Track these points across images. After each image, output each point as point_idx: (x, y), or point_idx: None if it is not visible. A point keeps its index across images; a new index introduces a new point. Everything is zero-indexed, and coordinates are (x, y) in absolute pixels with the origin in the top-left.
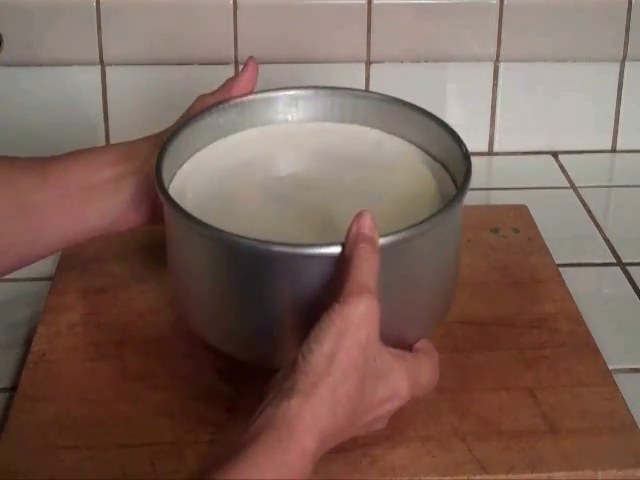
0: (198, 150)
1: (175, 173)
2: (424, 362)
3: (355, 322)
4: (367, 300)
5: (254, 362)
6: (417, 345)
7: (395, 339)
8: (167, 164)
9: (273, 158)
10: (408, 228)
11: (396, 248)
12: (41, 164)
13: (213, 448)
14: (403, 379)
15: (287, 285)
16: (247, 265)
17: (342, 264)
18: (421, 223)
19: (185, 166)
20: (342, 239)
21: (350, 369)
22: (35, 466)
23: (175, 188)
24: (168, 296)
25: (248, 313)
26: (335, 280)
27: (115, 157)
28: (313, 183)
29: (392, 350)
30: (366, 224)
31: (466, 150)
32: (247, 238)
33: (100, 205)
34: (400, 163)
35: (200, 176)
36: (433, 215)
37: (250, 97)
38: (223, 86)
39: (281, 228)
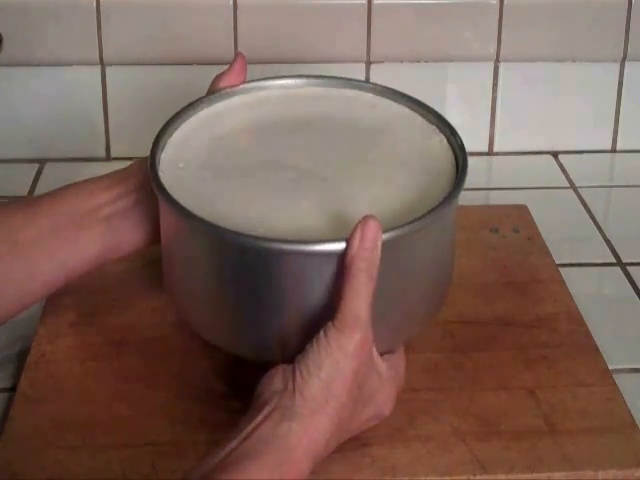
0: (186, 120)
1: (166, 143)
2: (400, 371)
3: (350, 352)
4: (361, 331)
5: (249, 358)
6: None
7: (389, 335)
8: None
9: (264, 124)
10: (405, 225)
11: (391, 244)
12: (31, 201)
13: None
14: (387, 399)
15: (282, 280)
16: (240, 260)
17: (341, 268)
18: (417, 220)
19: (175, 134)
20: (340, 210)
21: (345, 398)
22: (35, 466)
23: (166, 159)
24: (168, 296)
25: (242, 308)
26: (333, 280)
27: (108, 182)
28: (307, 149)
29: (379, 368)
30: (369, 236)
31: (461, 142)
32: (239, 233)
33: (96, 230)
34: (395, 125)
35: (190, 144)
36: (430, 211)
37: (240, 87)
38: (212, 83)
39: (276, 197)
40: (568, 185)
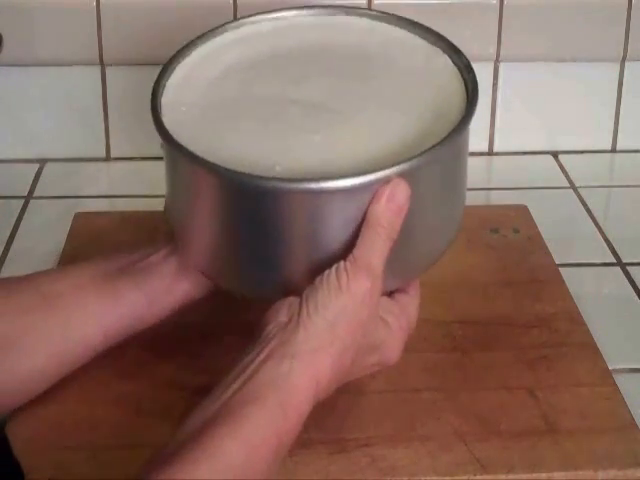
0: (181, 62)
1: (164, 86)
2: (412, 314)
3: (359, 299)
4: (372, 281)
5: (260, 299)
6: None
7: (404, 269)
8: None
9: (261, 58)
10: (417, 156)
11: (408, 175)
12: (61, 266)
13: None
14: (394, 349)
15: (300, 220)
16: (255, 202)
17: (358, 206)
18: (430, 150)
19: (173, 76)
20: (356, 142)
21: (349, 342)
22: (35, 466)
23: (167, 103)
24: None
25: (253, 248)
26: (350, 217)
27: (136, 247)
28: (310, 80)
29: (388, 318)
30: (398, 199)
31: (467, 61)
32: (254, 176)
33: (133, 281)
34: (397, 49)
35: (189, 86)
36: (442, 141)
37: (231, 23)
38: None
39: (288, 133)
40: (568, 185)
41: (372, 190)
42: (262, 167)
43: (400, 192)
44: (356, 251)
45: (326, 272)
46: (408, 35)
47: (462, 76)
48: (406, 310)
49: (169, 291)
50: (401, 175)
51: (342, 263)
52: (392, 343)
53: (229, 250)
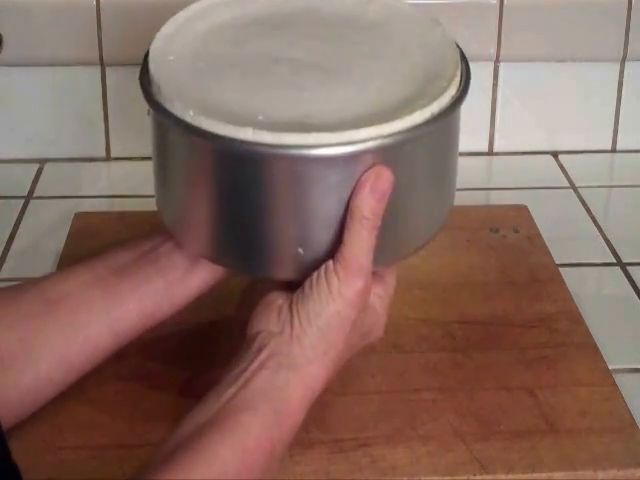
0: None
1: (154, 36)
2: (391, 291)
3: (351, 301)
4: (364, 280)
5: (249, 272)
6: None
7: (389, 251)
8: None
9: (257, 18)
10: (403, 132)
11: (388, 149)
12: (67, 268)
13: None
14: (379, 328)
15: (276, 186)
16: (233, 166)
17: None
18: (416, 127)
19: (163, 29)
20: (345, 101)
21: (342, 346)
22: (35, 466)
23: (155, 51)
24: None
25: (235, 216)
26: (334, 187)
27: (148, 236)
28: (304, 42)
29: (376, 303)
30: (380, 189)
31: (462, 52)
32: (230, 139)
33: (141, 275)
34: (394, 19)
35: (181, 37)
36: (431, 117)
37: None
38: None
39: (276, 87)
40: (568, 185)
41: (354, 161)
42: (245, 117)
43: (383, 180)
44: (344, 249)
45: (314, 275)
46: (407, 8)
47: (458, 47)
48: (389, 289)
49: (184, 280)
50: (385, 149)
51: (331, 265)
52: (378, 325)
53: (217, 222)
